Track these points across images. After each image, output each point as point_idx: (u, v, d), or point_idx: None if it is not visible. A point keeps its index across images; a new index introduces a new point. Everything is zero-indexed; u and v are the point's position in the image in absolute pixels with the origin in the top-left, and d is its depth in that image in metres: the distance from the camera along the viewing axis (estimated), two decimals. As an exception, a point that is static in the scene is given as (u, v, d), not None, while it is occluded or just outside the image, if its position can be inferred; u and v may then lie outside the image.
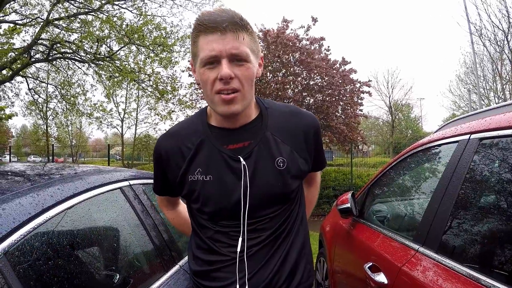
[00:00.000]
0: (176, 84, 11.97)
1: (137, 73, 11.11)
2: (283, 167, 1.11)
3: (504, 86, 18.08)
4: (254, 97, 1.16)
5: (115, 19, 10.58)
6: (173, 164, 1.15)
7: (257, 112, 1.17)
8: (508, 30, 16.00)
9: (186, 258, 1.78)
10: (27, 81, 12.50)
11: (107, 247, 1.46)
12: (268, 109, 1.17)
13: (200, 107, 12.58)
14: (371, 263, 1.77)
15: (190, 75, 12.40)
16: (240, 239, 1.09)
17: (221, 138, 1.12)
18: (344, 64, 11.29)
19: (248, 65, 1.03)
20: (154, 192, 1.32)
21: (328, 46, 11.44)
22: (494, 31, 16.59)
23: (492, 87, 18.77)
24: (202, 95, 12.25)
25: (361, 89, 11.43)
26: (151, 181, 1.93)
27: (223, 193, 1.09)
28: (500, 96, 18.25)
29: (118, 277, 1.39)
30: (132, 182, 1.69)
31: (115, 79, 11.33)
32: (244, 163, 1.08)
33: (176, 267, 1.66)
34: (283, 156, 1.12)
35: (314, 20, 10.88)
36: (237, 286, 1.07)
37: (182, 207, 1.42)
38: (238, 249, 1.08)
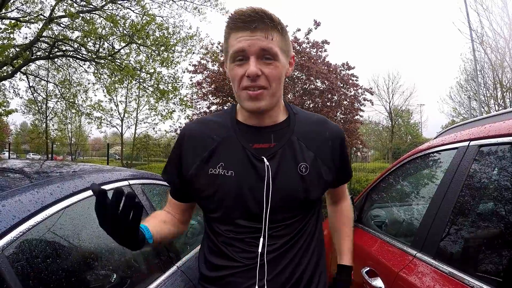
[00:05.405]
0: (177, 84, 11.96)
1: (138, 72, 11.09)
2: (306, 172, 1.10)
3: (505, 94, 18.11)
4: (284, 102, 1.18)
5: (118, 17, 10.57)
6: (191, 150, 1.13)
7: (285, 116, 1.18)
8: (510, 37, 16.04)
9: (184, 259, 1.78)
10: (27, 78, 12.49)
11: (105, 247, 1.46)
12: (296, 115, 1.18)
13: (200, 107, 12.61)
14: (368, 268, 1.77)
15: (191, 78, 12.48)
16: (262, 239, 1.07)
17: (247, 135, 1.12)
18: (348, 69, 11.31)
19: (276, 64, 1.04)
20: (162, 177, 1.25)
21: (326, 50, 11.47)
22: (496, 38, 16.65)
23: (493, 95, 18.78)
24: (202, 96, 12.28)
25: (363, 95, 11.46)
26: (151, 181, 1.94)
27: (243, 190, 1.07)
28: (501, 103, 18.27)
29: (115, 276, 1.39)
30: (131, 182, 1.68)
31: (116, 78, 11.32)
32: (267, 163, 1.08)
33: (174, 268, 1.66)
34: (306, 162, 1.11)
35: (317, 24, 10.89)
36: None
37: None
38: (260, 250, 1.06)
